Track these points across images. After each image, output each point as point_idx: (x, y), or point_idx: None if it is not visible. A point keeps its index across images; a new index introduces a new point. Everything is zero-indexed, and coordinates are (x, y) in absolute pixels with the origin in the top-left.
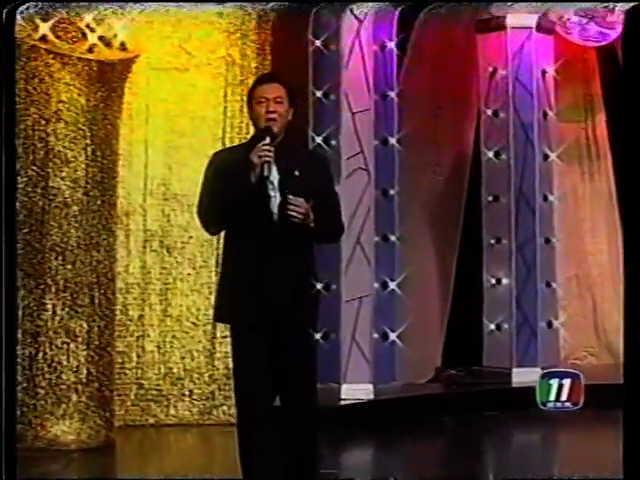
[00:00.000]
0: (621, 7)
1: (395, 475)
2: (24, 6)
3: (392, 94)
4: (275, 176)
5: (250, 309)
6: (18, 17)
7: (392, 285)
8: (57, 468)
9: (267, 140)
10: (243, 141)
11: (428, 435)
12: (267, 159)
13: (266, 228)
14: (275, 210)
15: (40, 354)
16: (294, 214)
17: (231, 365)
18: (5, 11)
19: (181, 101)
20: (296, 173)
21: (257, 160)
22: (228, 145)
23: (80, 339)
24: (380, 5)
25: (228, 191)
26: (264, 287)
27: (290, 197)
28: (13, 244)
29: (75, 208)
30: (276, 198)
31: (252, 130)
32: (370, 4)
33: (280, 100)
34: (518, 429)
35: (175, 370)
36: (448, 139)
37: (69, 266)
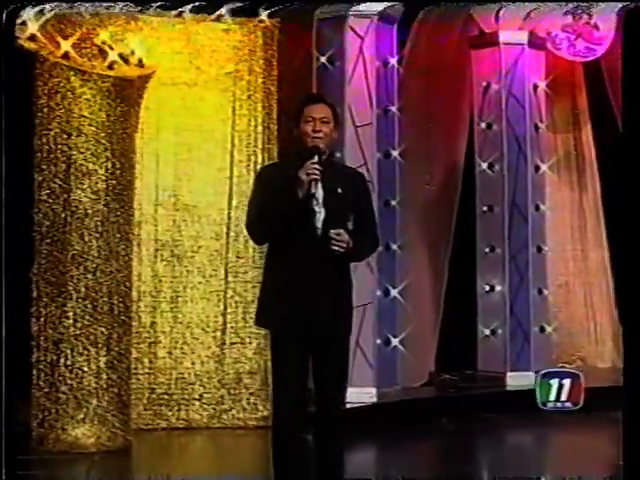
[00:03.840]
0: (613, 7)
1: (397, 476)
2: (30, 8)
3: (393, 109)
4: (320, 193)
5: (292, 322)
6: (38, 34)
7: (394, 292)
8: (81, 470)
9: (315, 159)
10: (250, 154)
11: (429, 437)
12: (315, 177)
13: (310, 241)
14: (319, 225)
15: (62, 360)
16: (337, 248)
17: (239, 370)
18: (6, 12)
19: (190, 115)
20: (339, 190)
21: (305, 178)
22: (236, 157)
23: (100, 345)
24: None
25: (277, 205)
26: (306, 300)
27: (332, 231)
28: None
29: (95, 219)
30: (321, 214)
31: (259, 144)
32: (367, 19)
33: (327, 120)
34: (514, 430)
35: (186, 375)
36: (442, 151)
37: (89, 275)
